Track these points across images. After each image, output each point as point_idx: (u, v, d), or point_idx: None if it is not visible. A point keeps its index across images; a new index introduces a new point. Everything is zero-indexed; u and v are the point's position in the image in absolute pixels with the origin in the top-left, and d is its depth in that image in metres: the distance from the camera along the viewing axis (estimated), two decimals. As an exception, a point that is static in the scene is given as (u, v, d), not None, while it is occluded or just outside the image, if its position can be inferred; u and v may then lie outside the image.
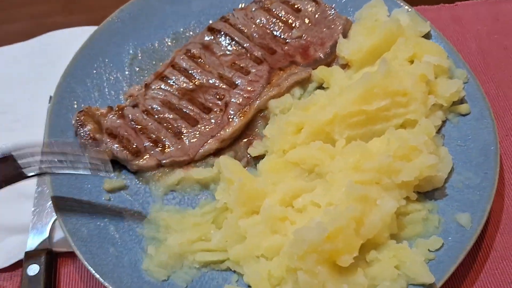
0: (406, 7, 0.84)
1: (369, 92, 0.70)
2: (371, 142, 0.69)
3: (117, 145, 0.71)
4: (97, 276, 0.61)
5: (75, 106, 0.75)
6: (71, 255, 0.65)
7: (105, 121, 0.73)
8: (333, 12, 0.85)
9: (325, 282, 0.58)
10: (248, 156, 0.74)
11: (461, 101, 0.76)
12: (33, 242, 0.68)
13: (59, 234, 0.68)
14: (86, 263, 0.62)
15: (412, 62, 0.77)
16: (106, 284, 0.60)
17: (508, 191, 0.74)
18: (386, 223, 0.62)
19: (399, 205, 0.64)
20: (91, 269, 0.61)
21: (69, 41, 0.86)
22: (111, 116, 0.74)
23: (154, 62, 0.83)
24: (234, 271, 0.64)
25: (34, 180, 0.73)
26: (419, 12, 0.90)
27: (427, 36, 0.82)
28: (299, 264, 0.58)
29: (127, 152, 0.71)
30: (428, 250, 0.64)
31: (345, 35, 0.82)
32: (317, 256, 0.58)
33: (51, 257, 0.67)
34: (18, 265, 0.67)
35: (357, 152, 0.66)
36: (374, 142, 0.69)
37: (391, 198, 0.63)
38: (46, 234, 0.68)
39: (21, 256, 0.67)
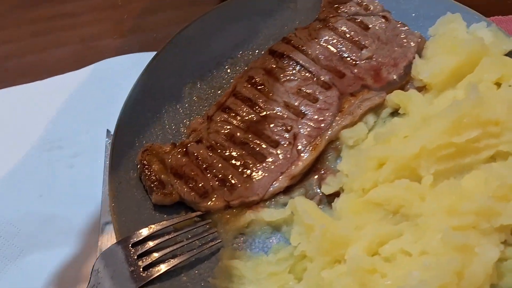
0: (485, 21, 0.76)
1: (459, 122, 0.63)
2: (465, 180, 0.63)
3: (184, 187, 0.67)
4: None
5: (136, 143, 0.72)
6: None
7: (169, 159, 0.69)
8: (405, 28, 0.78)
9: None
10: (321, 193, 0.69)
11: (557, 126, 0.68)
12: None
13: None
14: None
15: (498, 84, 0.70)
16: None
17: None
18: (488, 273, 0.56)
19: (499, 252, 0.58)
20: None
21: (123, 69, 0.83)
22: (175, 154, 0.70)
23: (213, 91, 0.78)
24: (319, 328, 0.60)
25: (97, 229, 0.70)
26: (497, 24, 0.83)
27: (510, 54, 0.74)
28: (397, 325, 0.53)
29: (195, 194, 0.67)
30: (534, 302, 0.58)
31: (419, 54, 0.76)
32: (416, 317, 0.53)
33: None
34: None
35: (451, 193, 0.60)
36: (468, 180, 0.62)
37: (491, 245, 0.57)
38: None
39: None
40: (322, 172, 0.72)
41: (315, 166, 0.72)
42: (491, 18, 0.87)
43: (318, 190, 0.70)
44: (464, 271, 0.56)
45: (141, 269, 0.62)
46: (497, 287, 0.60)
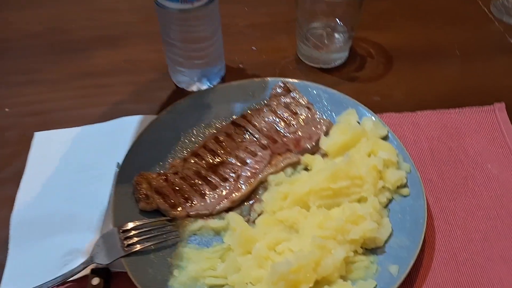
0: (373, 116, 1.16)
1: (335, 174, 1.00)
2: (332, 210, 0.99)
3: (160, 200, 1.04)
4: (139, 286, 0.91)
5: (134, 171, 1.08)
6: (122, 273, 0.96)
7: (154, 182, 1.07)
8: (320, 116, 1.18)
9: (289, 302, 0.86)
10: (250, 216, 1.05)
11: (405, 186, 1.05)
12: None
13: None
14: (132, 277, 0.92)
15: (370, 155, 1.08)
16: (145, 292, 0.90)
17: (437, 253, 1.00)
18: (336, 266, 0.90)
19: (347, 255, 0.92)
20: (136, 282, 0.92)
21: (135, 124, 1.21)
22: (158, 179, 1.08)
23: (191, 143, 1.17)
24: (231, 292, 0.93)
25: (102, 219, 1.06)
26: (386, 118, 1.22)
27: (386, 137, 1.13)
28: (273, 288, 0.87)
29: (167, 205, 1.04)
30: (365, 288, 0.91)
31: (327, 133, 1.14)
32: (284, 284, 0.86)
33: (108, 274, 0.98)
34: (84, 278, 0.98)
35: (322, 216, 0.96)
36: (334, 210, 0.99)
37: (342, 250, 0.92)
38: (107, 258, 0.99)
39: (87, 272, 0.98)
40: (254, 201, 1.08)
41: (249, 197, 1.07)
42: (385, 113, 1.26)
43: (249, 214, 1.07)
44: (321, 262, 0.90)
45: (125, 246, 0.96)
46: (346, 278, 0.93)
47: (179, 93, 1.32)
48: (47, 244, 1.04)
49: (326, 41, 1.35)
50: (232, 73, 1.38)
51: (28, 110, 1.31)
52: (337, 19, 1.35)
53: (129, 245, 0.97)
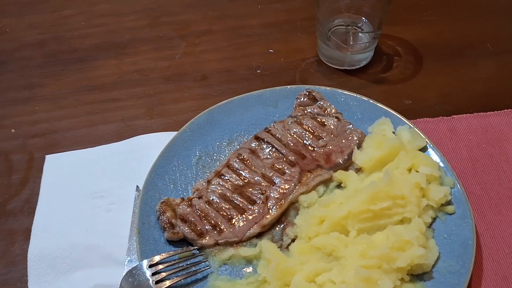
0: (408, 124, 1.08)
1: (375, 195, 0.93)
2: (375, 236, 0.91)
3: (187, 228, 0.97)
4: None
5: (157, 197, 1.02)
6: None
7: (178, 209, 1.00)
8: (351, 126, 1.10)
9: None
10: (282, 241, 0.98)
11: (449, 202, 0.97)
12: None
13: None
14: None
15: (410, 170, 1.00)
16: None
17: (486, 275, 0.93)
18: (384, 299, 0.84)
19: (394, 285, 0.85)
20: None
21: (151, 143, 1.13)
22: (183, 205, 1.00)
23: (213, 162, 1.10)
24: (270, 330, 0.87)
25: (124, 250, 0.99)
26: (421, 124, 1.14)
27: (424, 148, 1.05)
28: (318, 328, 0.80)
29: (194, 234, 0.97)
30: (416, 321, 0.84)
31: (359, 146, 1.06)
32: (330, 323, 0.79)
33: (137, 312, 0.91)
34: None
35: (364, 243, 0.89)
36: (377, 236, 0.91)
37: (388, 280, 0.85)
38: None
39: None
40: (285, 224, 1.00)
41: (280, 220, 0.99)
42: (420, 119, 1.19)
43: (282, 238, 0.99)
44: (367, 296, 0.83)
45: (154, 283, 0.90)
46: (395, 311, 0.87)
47: (195, 105, 1.23)
48: (69, 280, 0.97)
49: (350, 41, 1.25)
50: (250, 81, 1.29)
51: (34, 130, 1.23)
52: (362, 16, 1.25)
53: (158, 281, 0.90)
